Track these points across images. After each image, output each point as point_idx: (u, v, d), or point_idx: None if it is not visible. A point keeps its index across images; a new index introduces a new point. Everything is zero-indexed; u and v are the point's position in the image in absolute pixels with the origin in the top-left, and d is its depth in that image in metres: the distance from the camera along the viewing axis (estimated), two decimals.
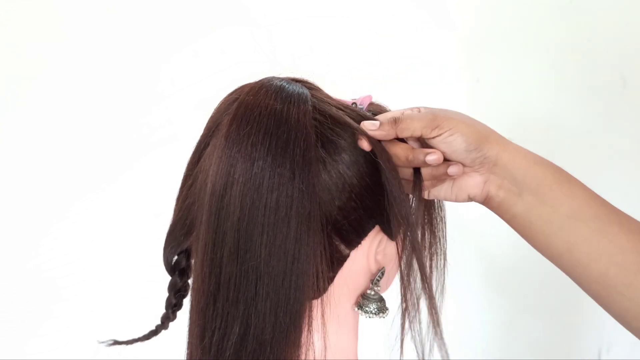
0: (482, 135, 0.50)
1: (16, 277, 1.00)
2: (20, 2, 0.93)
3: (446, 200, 0.54)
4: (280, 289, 0.46)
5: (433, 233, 0.57)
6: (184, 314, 0.54)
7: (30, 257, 1.00)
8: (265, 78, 0.52)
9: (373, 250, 0.52)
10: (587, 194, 0.50)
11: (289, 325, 0.47)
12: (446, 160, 0.50)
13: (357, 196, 0.49)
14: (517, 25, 1.08)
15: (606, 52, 1.05)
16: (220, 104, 0.53)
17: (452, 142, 0.49)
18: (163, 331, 0.60)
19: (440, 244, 0.58)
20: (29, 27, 0.94)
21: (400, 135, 0.50)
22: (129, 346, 0.61)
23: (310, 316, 0.49)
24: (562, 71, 1.06)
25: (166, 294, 0.58)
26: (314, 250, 0.47)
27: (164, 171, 0.88)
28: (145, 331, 0.61)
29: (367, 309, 0.53)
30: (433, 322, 0.53)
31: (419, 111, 0.52)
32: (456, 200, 0.53)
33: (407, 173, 0.51)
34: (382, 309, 0.53)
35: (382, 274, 0.53)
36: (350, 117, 0.51)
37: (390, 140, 0.51)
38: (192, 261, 0.54)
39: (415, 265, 0.50)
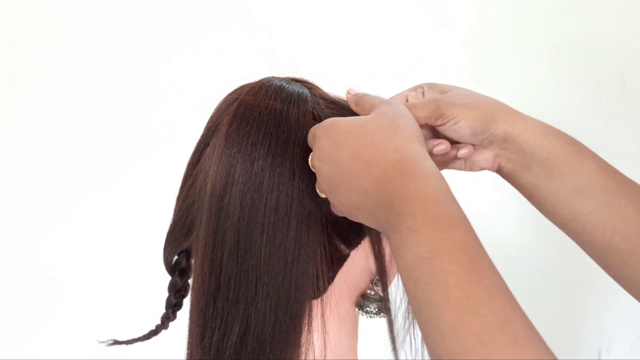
0: (487, 117, 0.50)
1: (16, 277, 1.00)
2: (20, 2, 0.93)
3: (461, 170, 0.54)
4: (280, 288, 0.46)
5: None
6: (184, 314, 0.54)
7: (30, 257, 1.00)
8: (265, 78, 0.52)
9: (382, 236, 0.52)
10: (598, 166, 0.49)
11: (288, 325, 0.47)
12: (456, 142, 0.51)
13: None
14: (517, 25, 1.08)
15: (606, 52, 1.05)
16: (220, 104, 0.53)
17: (457, 130, 0.50)
18: (163, 331, 0.60)
19: None
20: (29, 27, 0.94)
21: None
22: (129, 346, 0.61)
23: (310, 316, 0.49)
24: (562, 71, 1.06)
25: (166, 294, 0.58)
26: (314, 250, 0.47)
27: (164, 171, 0.88)
28: (145, 331, 0.61)
29: (367, 309, 0.53)
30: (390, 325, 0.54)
31: (423, 93, 0.52)
32: (470, 171, 0.54)
33: None
34: (382, 309, 0.53)
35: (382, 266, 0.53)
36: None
37: None
38: (192, 261, 0.54)
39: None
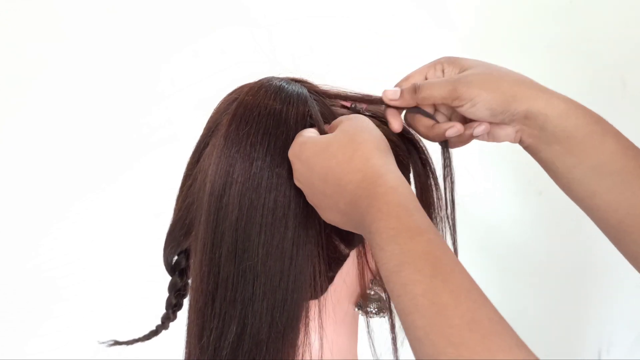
0: (507, 97, 0.49)
1: (16, 277, 1.00)
2: (20, 2, 0.93)
3: (484, 140, 0.55)
4: (277, 289, 0.46)
5: None
6: (184, 314, 0.54)
7: (30, 257, 1.00)
8: (265, 78, 0.52)
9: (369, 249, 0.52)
10: (620, 146, 0.49)
11: (285, 326, 0.47)
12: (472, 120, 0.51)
13: None
14: (517, 25, 1.08)
15: (606, 52, 1.05)
16: (220, 104, 0.53)
17: (475, 112, 0.49)
18: (163, 331, 0.60)
19: None
20: (29, 27, 0.94)
21: (421, 104, 0.51)
22: (129, 346, 0.61)
23: (308, 316, 0.49)
24: (562, 71, 1.06)
25: (166, 294, 0.58)
26: (312, 251, 0.47)
27: (164, 171, 0.88)
28: (146, 331, 0.61)
29: (367, 309, 0.53)
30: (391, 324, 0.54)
31: (443, 71, 0.52)
32: (494, 141, 0.54)
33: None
34: (382, 308, 0.53)
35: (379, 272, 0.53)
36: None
37: (412, 116, 0.52)
38: (192, 261, 0.54)
39: None
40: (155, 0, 0.98)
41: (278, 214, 0.46)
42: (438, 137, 0.51)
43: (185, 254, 0.56)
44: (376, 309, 0.53)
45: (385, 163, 0.43)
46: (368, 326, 0.57)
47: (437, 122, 0.52)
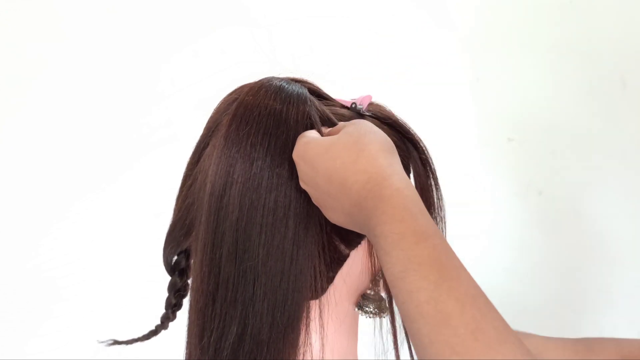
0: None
1: (16, 277, 1.00)
2: (20, 2, 0.93)
3: None
4: (278, 289, 0.46)
5: None
6: (183, 314, 0.54)
7: (30, 257, 1.00)
8: (265, 78, 0.52)
9: (373, 250, 0.52)
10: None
11: (286, 326, 0.47)
12: None
13: None
14: (517, 25, 1.08)
15: (606, 52, 1.05)
16: (220, 104, 0.53)
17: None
18: (163, 331, 0.60)
19: None
20: (29, 27, 0.94)
21: None
22: (129, 346, 0.61)
23: (308, 317, 0.49)
24: (562, 71, 1.06)
25: (166, 294, 0.58)
26: (312, 251, 0.47)
27: (164, 171, 0.88)
28: (145, 331, 0.61)
29: (367, 309, 0.53)
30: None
31: None
32: None
33: None
34: (382, 309, 0.53)
35: (383, 273, 0.53)
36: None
37: None
38: (192, 261, 0.54)
39: None
40: (155, 0, 0.98)
41: (278, 214, 0.46)
42: None
43: (185, 254, 0.56)
44: (376, 309, 0.53)
45: (391, 164, 0.42)
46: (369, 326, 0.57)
47: None
